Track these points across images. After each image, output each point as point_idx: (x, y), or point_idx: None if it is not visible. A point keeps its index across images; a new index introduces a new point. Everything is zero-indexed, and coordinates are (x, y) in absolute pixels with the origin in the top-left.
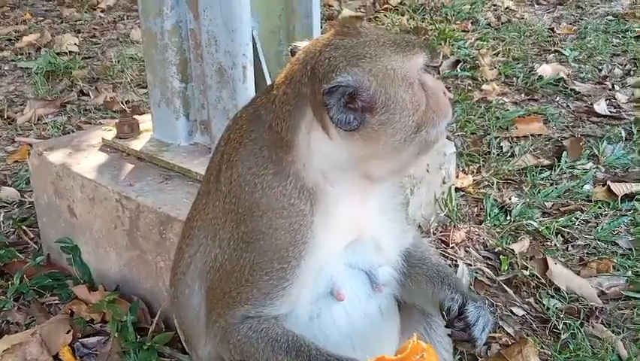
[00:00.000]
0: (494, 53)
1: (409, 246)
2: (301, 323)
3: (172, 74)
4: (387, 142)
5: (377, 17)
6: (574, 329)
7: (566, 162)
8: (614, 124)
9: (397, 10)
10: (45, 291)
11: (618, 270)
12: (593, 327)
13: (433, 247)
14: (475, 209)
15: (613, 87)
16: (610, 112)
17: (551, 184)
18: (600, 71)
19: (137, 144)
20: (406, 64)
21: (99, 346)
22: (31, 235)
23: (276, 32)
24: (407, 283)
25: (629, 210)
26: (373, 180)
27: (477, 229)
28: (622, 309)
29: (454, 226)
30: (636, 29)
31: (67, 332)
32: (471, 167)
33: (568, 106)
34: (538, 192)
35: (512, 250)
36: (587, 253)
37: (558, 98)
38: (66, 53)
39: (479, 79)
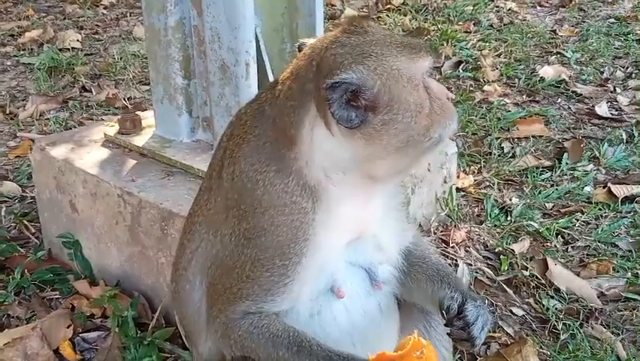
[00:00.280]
0: (496, 54)
1: (409, 244)
2: (302, 320)
3: (175, 70)
4: (390, 143)
5: (379, 17)
6: (573, 330)
7: (566, 163)
8: (615, 126)
9: (400, 10)
10: (46, 285)
11: (618, 271)
12: (592, 328)
13: (433, 246)
14: (476, 209)
15: (614, 90)
16: (611, 114)
17: (552, 185)
18: (602, 73)
19: (140, 140)
20: (412, 66)
21: (99, 341)
22: (33, 230)
23: (279, 30)
24: (407, 282)
25: (630, 212)
26: (375, 181)
27: (477, 229)
28: (621, 310)
29: (455, 226)
30: (638, 32)
31: (68, 327)
32: (472, 167)
33: (569, 108)
34: (539, 193)
35: (512, 250)
36: (587, 255)
37: (559, 99)
38: (68, 49)
39: (481, 80)
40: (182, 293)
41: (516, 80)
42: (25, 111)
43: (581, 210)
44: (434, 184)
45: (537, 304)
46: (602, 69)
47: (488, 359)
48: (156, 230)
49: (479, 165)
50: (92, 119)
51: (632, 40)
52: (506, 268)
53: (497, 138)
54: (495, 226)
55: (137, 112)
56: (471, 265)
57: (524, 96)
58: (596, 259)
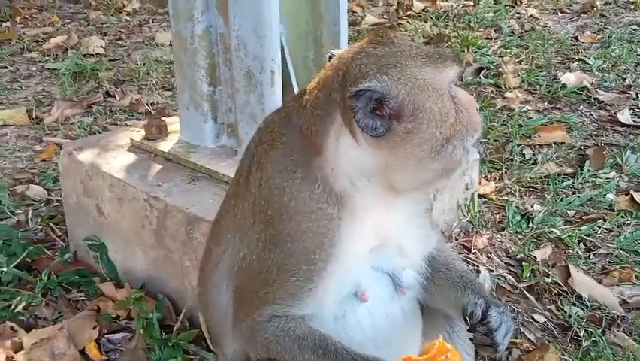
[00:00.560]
0: (517, 60)
1: (432, 251)
2: (326, 323)
3: (201, 77)
4: (414, 152)
5: (400, 24)
6: (595, 337)
7: (588, 170)
8: (637, 133)
9: (420, 16)
10: (72, 287)
11: None
12: (614, 335)
13: (455, 252)
14: (498, 216)
15: (637, 96)
16: (634, 121)
17: (574, 192)
18: (624, 80)
19: (165, 146)
20: (437, 75)
21: (124, 342)
22: (59, 233)
23: (303, 38)
24: (430, 287)
25: None
26: (397, 192)
27: (499, 236)
28: None
29: (477, 232)
30: None
31: (94, 328)
32: (493, 174)
33: (591, 115)
34: (561, 200)
35: (534, 257)
36: (610, 262)
37: (581, 106)
38: (92, 54)
39: (502, 86)
40: (209, 296)
41: (537, 86)
42: (50, 116)
43: (603, 217)
44: (456, 191)
45: (559, 311)
46: (624, 76)
47: None
48: (181, 234)
49: (501, 172)
50: (116, 124)
51: None
52: (528, 274)
53: (519, 145)
54: (517, 232)
55: (162, 118)
56: (493, 271)
57: (546, 103)
58: (618, 266)
